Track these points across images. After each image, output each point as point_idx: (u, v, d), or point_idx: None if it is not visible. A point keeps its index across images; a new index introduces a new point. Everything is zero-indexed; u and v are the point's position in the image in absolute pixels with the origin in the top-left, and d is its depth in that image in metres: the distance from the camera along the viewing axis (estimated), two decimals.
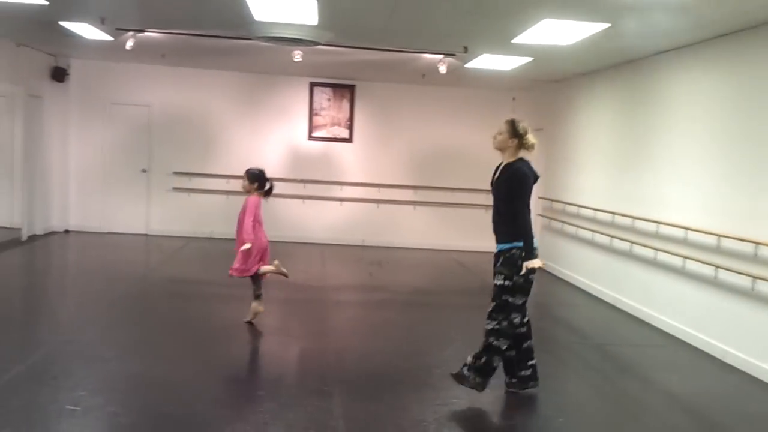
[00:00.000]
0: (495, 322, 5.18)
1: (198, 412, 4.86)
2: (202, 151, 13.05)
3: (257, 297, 7.08)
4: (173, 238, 12.73)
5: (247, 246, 6.70)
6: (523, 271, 5.03)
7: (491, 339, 5.21)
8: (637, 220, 8.61)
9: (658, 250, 8.05)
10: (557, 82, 11.58)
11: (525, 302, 5.25)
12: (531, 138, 5.22)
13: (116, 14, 8.10)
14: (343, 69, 11.78)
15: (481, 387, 5.27)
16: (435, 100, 13.29)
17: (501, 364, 5.39)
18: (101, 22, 8.34)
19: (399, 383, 5.66)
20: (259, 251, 6.90)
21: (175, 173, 12.95)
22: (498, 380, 5.40)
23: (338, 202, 13.35)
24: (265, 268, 7.03)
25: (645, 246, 8.34)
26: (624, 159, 9.19)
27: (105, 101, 12.82)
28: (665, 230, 7.96)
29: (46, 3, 7.35)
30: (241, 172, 7.12)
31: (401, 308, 8.76)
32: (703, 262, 7.16)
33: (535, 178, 5.28)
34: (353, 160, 13.40)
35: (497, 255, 5.24)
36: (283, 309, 8.00)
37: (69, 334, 6.58)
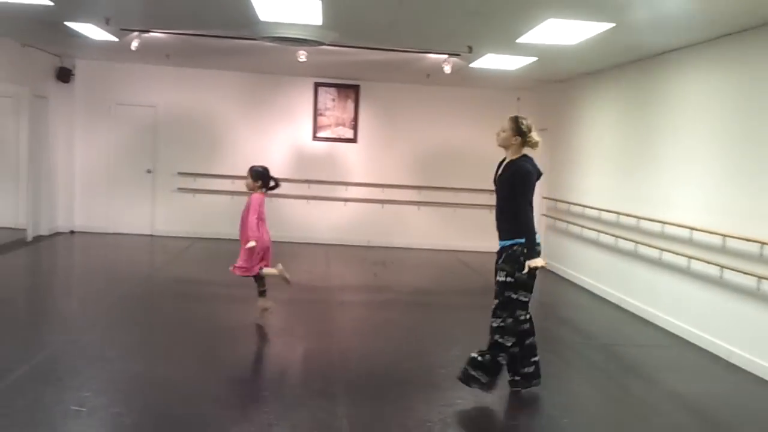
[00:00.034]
0: (500, 320, 5.18)
1: (202, 413, 4.87)
2: (207, 151, 13.06)
3: (262, 294, 7.07)
4: (178, 238, 12.75)
5: (251, 244, 6.68)
6: (526, 270, 5.03)
7: (497, 336, 5.21)
8: (642, 220, 8.59)
9: (663, 250, 8.04)
10: (562, 82, 11.56)
11: (529, 299, 5.24)
12: (535, 136, 5.21)
13: (121, 15, 8.11)
14: (348, 69, 11.78)
15: (489, 387, 5.26)
16: (439, 100, 13.28)
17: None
18: (106, 23, 8.35)
19: (403, 383, 5.66)
20: (261, 250, 6.89)
21: (180, 174, 12.97)
22: (501, 380, 5.39)
23: (342, 203, 13.36)
24: (267, 270, 7.00)
25: (650, 246, 8.32)
26: (629, 159, 9.17)
27: (110, 102, 12.84)
28: (670, 230, 7.95)
29: (52, 3, 7.36)
30: (246, 172, 7.11)
31: (405, 308, 8.76)
32: (708, 262, 7.14)
33: (538, 174, 5.27)
34: (358, 161, 13.40)
35: (499, 252, 5.24)
36: (288, 309, 8.00)
37: (74, 334, 6.59)
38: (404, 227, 13.46)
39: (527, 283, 5.13)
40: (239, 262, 6.86)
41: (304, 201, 13.14)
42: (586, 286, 10.19)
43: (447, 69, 9.86)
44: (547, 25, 6.98)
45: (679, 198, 7.86)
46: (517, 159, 5.23)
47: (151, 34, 9.12)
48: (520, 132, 5.19)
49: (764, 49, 6.58)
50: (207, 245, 12.18)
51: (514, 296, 5.14)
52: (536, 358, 5.47)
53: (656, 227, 8.24)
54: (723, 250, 6.96)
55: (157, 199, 13.11)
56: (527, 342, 5.40)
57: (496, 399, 5.36)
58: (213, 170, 12.97)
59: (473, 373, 5.24)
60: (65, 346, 6.16)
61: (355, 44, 9.15)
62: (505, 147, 5.30)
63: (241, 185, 7.03)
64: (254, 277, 6.98)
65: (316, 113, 13.31)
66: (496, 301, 5.21)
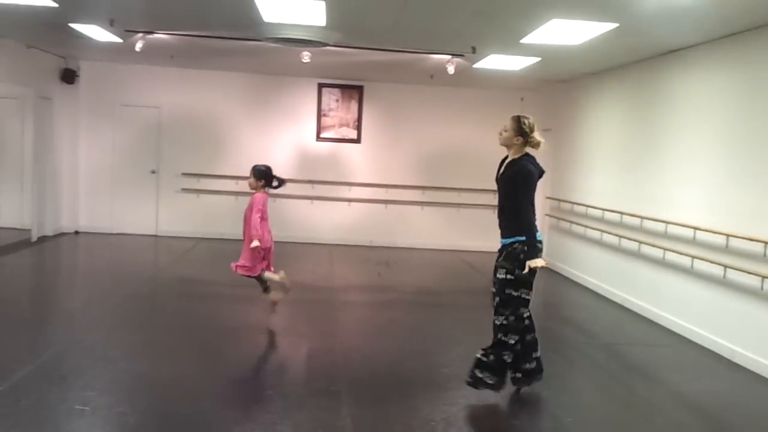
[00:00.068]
0: (502, 317, 5.19)
1: (206, 412, 4.88)
2: (211, 152, 13.08)
3: (266, 290, 7.07)
4: (182, 238, 12.78)
5: (255, 243, 6.66)
6: (526, 270, 5.03)
7: (500, 335, 5.22)
8: (645, 220, 8.59)
9: (666, 249, 8.03)
10: (565, 82, 11.56)
11: (530, 297, 5.25)
12: (537, 136, 5.20)
13: (125, 16, 8.14)
14: (352, 70, 11.79)
15: (498, 387, 5.27)
16: (443, 100, 13.29)
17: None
18: (110, 24, 8.37)
19: (407, 383, 5.66)
20: (263, 250, 6.88)
21: (184, 174, 13.00)
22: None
23: (346, 203, 13.37)
24: (269, 275, 6.98)
25: (653, 246, 8.32)
26: (632, 159, 9.17)
27: (114, 103, 12.88)
28: (674, 230, 7.94)
29: (56, 5, 7.38)
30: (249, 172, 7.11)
31: (409, 308, 8.77)
32: (711, 262, 7.14)
33: (541, 173, 5.27)
34: (361, 161, 13.41)
35: (500, 249, 5.25)
36: (292, 309, 8.01)
37: (78, 334, 6.61)
38: (408, 227, 13.47)
39: (528, 280, 5.13)
40: (242, 261, 6.87)
41: (308, 201, 13.16)
42: (590, 286, 10.19)
43: (450, 69, 9.87)
44: (550, 25, 6.99)
45: (683, 198, 7.86)
46: (518, 158, 5.24)
47: (156, 35, 9.14)
48: (521, 132, 5.19)
49: (765, 50, 6.57)
50: (211, 245, 12.19)
51: (515, 294, 5.14)
52: (537, 354, 5.46)
53: (660, 227, 8.23)
54: (726, 250, 6.95)
55: (161, 200, 13.13)
56: (527, 338, 5.40)
57: (499, 398, 5.36)
58: (217, 171, 13.00)
59: (480, 375, 5.25)
60: (70, 345, 6.18)
61: (358, 45, 9.16)
62: (508, 146, 5.31)
63: (245, 185, 7.05)
64: (255, 277, 6.98)
65: (320, 114, 13.32)
66: (497, 299, 5.22)
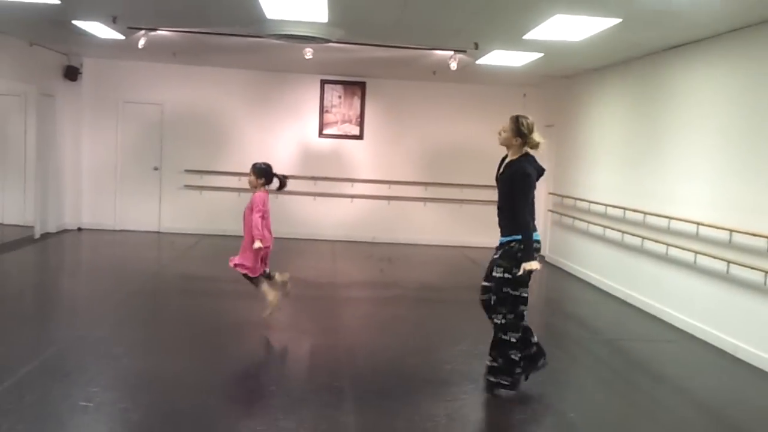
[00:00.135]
0: (501, 316, 5.20)
1: (209, 408, 4.89)
2: (214, 148, 13.09)
3: (270, 277, 7.01)
4: (185, 235, 12.80)
5: (258, 244, 6.57)
6: (521, 272, 5.03)
7: (500, 334, 5.23)
8: (648, 216, 8.58)
9: (669, 245, 8.03)
10: (568, 77, 11.55)
11: (528, 294, 5.25)
12: (536, 137, 5.17)
13: (128, 13, 8.14)
14: (354, 66, 11.79)
15: (514, 385, 5.30)
16: (446, 96, 13.28)
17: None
18: (113, 21, 8.37)
19: (410, 379, 5.67)
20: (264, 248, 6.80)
21: (187, 171, 13.01)
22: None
23: (349, 199, 13.37)
24: (265, 289, 6.85)
25: (656, 241, 8.31)
26: (635, 154, 9.16)
27: (117, 100, 12.89)
28: (677, 225, 7.94)
29: (59, 2, 7.39)
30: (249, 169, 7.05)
31: (412, 304, 8.78)
32: (714, 258, 7.13)
33: (540, 173, 5.26)
34: (364, 157, 13.41)
35: (498, 247, 5.26)
36: (294, 305, 8.02)
37: (82, 330, 6.62)
38: (410, 223, 13.47)
39: (525, 278, 5.14)
40: (240, 260, 6.75)
41: (311, 198, 13.16)
42: (593, 282, 10.18)
43: (453, 65, 9.85)
44: (553, 21, 6.97)
45: (686, 193, 7.85)
46: (517, 159, 5.22)
47: (158, 32, 9.14)
48: (520, 133, 5.16)
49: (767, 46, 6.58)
50: (214, 242, 12.20)
51: (513, 293, 5.15)
52: (535, 339, 5.44)
53: (662, 222, 8.23)
54: (729, 246, 6.94)
55: (163, 196, 13.15)
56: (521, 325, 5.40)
57: (502, 393, 5.36)
58: (219, 167, 13.01)
59: (495, 380, 5.29)
60: (73, 342, 6.19)
61: (361, 41, 9.15)
62: (507, 146, 5.30)
63: (247, 182, 7.02)
64: (251, 278, 6.90)
65: (323, 110, 13.32)
66: (494, 297, 5.23)
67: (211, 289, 8.84)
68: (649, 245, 8.57)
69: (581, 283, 10.43)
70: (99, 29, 8.96)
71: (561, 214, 11.63)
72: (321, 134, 13.34)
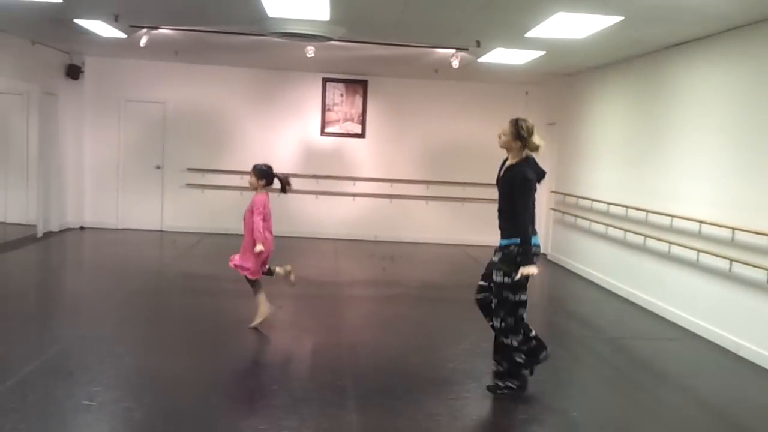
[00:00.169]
0: (499, 319, 5.21)
1: (212, 407, 4.89)
2: (216, 147, 13.09)
3: (270, 274, 6.93)
4: (187, 234, 12.80)
5: (260, 248, 6.51)
6: (518, 276, 5.03)
7: (502, 338, 5.24)
8: (650, 214, 8.58)
9: (671, 243, 8.02)
10: (570, 75, 11.54)
11: (527, 297, 5.25)
12: (536, 140, 5.14)
13: (130, 11, 8.14)
14: (356, 64, 11.78)
15: (523, 387, 5.32)
16: (448, 95, 13.26)
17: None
18: (115, 20, 8.37)
19: (412, 377, 5.67)
20: (267, 252, 6.77)
21: (189, 170, 13.01)
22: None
23: (351, 198, 13.37)
24: (261, 300, 6.82)
25: (659, 239, 8.30)
26: (637, 152, 9.15)
27: (119, 98, 12.89)
28: (679, 224, 7.93)
29: (61, 1, 7.39)
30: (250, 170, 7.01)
31: (414, 303, 8.77)
32: (717, 256, 7.12)
33: (541, 176, 5.25)
34: (366, 156, 13.40)
35: (497, 250, 5.26)
36: (296, 304, 8.03)
37: (84, 329, 6.63)
38: (412, 222, 13.47)
39: (523, 283, 5.15)
40: (241, 262, 6.69)
41: (313, 196, 13.15)
42: (595, 280, 10.17)
43: (455, 64, 9.84)
44: (555, 18, 6.96)
45: (688, 191, 7.84)
46: (517, 164, 5.21)
47: (160, 30, 9.13)
48: (519, 136, 5.15)
49: None
50: (216, 240, 12.19)
51: (513, 297, 5.15)
52: (533, 333, 5.43)
53: (665, 221, 8.22)
54: (732, 244, 6.94)
55: (166, 195, 13.15)
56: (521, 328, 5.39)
57: (505, 392, 5.36)
58: (221, 166, 13.01)
59: (503, 384, 5.31)
60: (76, 341, 6.20)
61: (363, 39, 9.14)
62: (507, 150, 5.29)
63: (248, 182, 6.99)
64: (250, 280, 6.85)
65: (325, 108, 13.31)
66: (495, 300, 5.23)
67: (213, 288, 8.84)
68: (651, 243, 8.56)
69: (583, 281, 10.42)
70: (101, 28, 8.96)
71: (563, 213, 11.62)
72: (323, 132, 13.34)
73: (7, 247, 10.56)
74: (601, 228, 10.01)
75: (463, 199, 13.36)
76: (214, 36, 9.30)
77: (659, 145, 8.54)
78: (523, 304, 5.21)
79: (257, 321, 6.80)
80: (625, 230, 9.17)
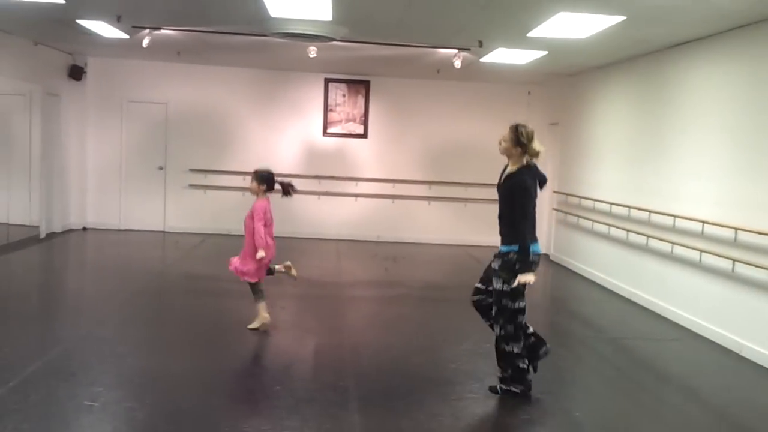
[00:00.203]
0: (500, 328, 5.20)
1: (214, 407, 4.90)
2: (218, 147, 13.10)
3: (270, 273, 6.94)
4: (190, 234, 12.81)
5: (261, 254, 6.48)
6: (515, 283, 5.03)
7: (503, 345, 5.23)
8: (653, 214, 8.57)
9: (674, 243, 8.01)
10: (572, 75, 11.53)
11: (525, 303, 5.24)
12: (536, 146, 5.12)
13: (132, 12, 8.15)
14: (358, 65, 11.79)
15: (528, 390, 5.32)
16: (450, 95, 13.26)
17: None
18: (117, 21, 8.38)
19: (414, 378, 5.67)
20: (269, 258, 6.75)
21: (192, 170, 13.03)
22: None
23: (353, 198, 13.37)
24: (259, 306, 6.79)
25: (661, 240, 8.29)
26: (640, 152, 9.14)
27: (122, 99, 12.91)
28: (681, 224, 7.92)
29: (63, 1, 7.40)
30: (252, 174, 6.97)
31: (416, 303, 8.77)
32: (719, 256, 7.11)
33: (542, 182, 5.24)
34: (368, 156, 13.41)
35: (497, 255, 5.24)
36: (299, 305, 8.03)
37: (87, 330, 6.64)
38: (414, 222, 13.47)
39: (521, 291, 5.14)
40: (241, 267, 6.69)
41: (315, 197, 13.15)
42: (597, 280, 10.17)
43: (457, 64, 9.84)
44: (557, 18, 6.96)
45: (691, 191, 7.84)
46: (517, 171, 5.18)
47: (162, 31, 9.15)
48: (519, 143, 5.13)
49: None
50: (218, 241, 12.20)
51: (512, 305, 5.14)
52: (531, 330, 5.42)
53: (667, 221, 8.21)
54: (735, 244, 6.93)
55: (168, 196, 13.17)
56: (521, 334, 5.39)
57: (508, 394, 5.36)
58: (224, 166, 13.02)
59: (509, 389, 5.31)
60: (78, 341, 6.20)
61: (365, 40, 9.14)
62: (507, 156, 5.28)
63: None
64: (251, 283, 6.85)
65: (327, 109, 13.32)
66: (495, 308, 5.23)
67: (215, 289, 8.84)
68: (653, 243, 8.55)
69: (586, 281, 10.41)
70: (103, 28, 8.98)
71: (565, 213, 11.61)
72: (325, 133, 13.34)
73: (10, 248, 10.57)
74: (603, 228, 10.00)
75: (466, 200, 13.35)
76: (216, 36, 9.31)
77: (662, 144, 8.54)
78: (522, 311, 5.20)
79: (254, 325, 6.80)
80: (628, 230, 9.16)
